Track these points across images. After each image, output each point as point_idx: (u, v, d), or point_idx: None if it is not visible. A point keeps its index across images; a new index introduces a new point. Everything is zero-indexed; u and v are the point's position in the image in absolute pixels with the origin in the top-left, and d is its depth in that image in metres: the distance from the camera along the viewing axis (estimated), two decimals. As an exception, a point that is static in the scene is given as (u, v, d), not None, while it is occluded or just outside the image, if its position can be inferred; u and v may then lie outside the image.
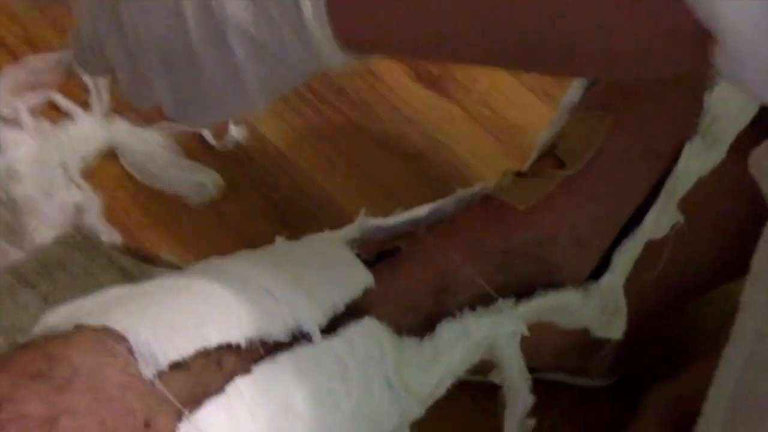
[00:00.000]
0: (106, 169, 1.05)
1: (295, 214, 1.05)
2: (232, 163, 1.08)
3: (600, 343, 0.79)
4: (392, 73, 1.17)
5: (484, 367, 0.74)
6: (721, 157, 0.76)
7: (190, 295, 0.64)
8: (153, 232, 1.00)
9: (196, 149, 1.09)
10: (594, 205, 0.74)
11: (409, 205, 1.06)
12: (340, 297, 0.66)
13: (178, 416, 0.59)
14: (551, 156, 0.77)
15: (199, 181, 1.06)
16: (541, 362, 0.79)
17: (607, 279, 0.75)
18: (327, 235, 0.72)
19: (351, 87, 1.15)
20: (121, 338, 0.59)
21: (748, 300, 0.63)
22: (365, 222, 0.73)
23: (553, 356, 0.80)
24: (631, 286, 0.77)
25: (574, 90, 0.82)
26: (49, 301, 0.75)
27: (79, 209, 0.98)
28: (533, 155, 0.81)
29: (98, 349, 0.59)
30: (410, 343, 0.68)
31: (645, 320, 0.82)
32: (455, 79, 1.18)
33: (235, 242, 1.03)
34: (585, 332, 0.78)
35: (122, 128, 1.07)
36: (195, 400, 0.60)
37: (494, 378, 0.75)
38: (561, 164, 0.75)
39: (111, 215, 0.99)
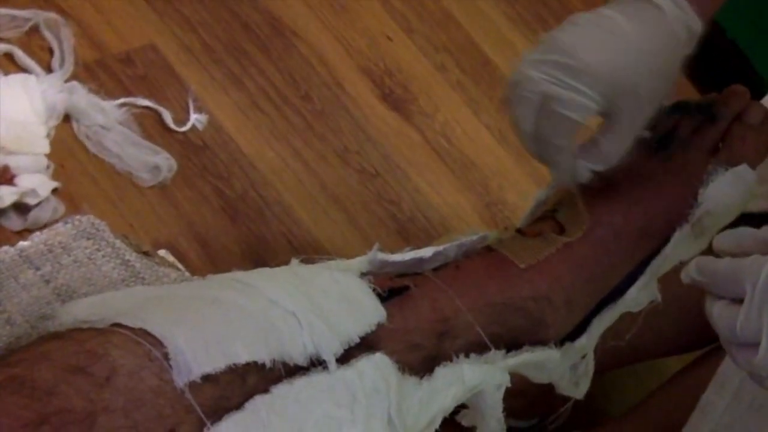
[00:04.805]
0: (58, 134, 1.02)
1: (246, 212, 1.06)
2: (188, 149, 1.07)
3: (562, 399, 0.83)
4: (358, 89, 1.19)
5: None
6: (705, 246, 0.81)
7: (222, 309, 0.64)
8: (98, 206, 0.98)
9: (153, 130, 1.07)
10: (587, 272, 0.78)
11: (360, 220, 1.09)
12: (356, 330, 0.68)
13: (200, 427, 0.60)
14: (551, 220, 0.81)
15: (153, 162, 1.04)
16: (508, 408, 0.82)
17: (582, 341, 0.79)
18: (341, 264, 0.74)
19: (317, 95, 1.16)
20: (158, 343, 0.60)
21: (706, 402, 0.68)
22: (375, 256, 0.75)
23: (519, 405, 0.83)
24: (597, 349, 0.81)
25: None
26: (50, 284, 0.74)
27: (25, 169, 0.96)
28: (528, 210, 0.84)
29: (136, 351, 0.60)
30: (410, 381, 0.71)
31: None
32: (418, 105, 1.21)
33: (180, 229, 1.02)
34: (550, 386, 0.81)
35: (82, 96, 1.05)
36: (217, 412, 0.61)
37: (462, 419, 0.78)
38: (560, 228, 0.79)
39: (57, 182, 0.95)
